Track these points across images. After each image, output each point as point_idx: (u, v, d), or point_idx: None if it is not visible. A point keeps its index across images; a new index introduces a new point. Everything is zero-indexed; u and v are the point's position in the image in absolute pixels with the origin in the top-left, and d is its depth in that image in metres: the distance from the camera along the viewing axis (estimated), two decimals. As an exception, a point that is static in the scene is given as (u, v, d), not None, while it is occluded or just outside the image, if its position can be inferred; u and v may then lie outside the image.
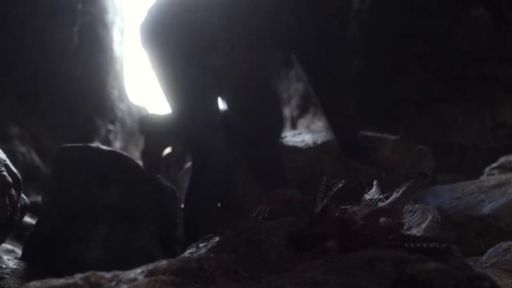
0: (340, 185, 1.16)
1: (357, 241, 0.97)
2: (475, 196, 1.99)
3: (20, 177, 1.62)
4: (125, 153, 1.99)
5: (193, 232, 1.44)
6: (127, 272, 0.73)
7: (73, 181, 1.83)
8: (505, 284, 1.32)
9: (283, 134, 1.88)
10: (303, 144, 1.98)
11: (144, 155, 4.34)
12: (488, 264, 1.53)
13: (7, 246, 1.96)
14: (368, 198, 1.17)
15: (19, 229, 1.99)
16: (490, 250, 1.60)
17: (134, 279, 0.70)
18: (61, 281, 0.68)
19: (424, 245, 0.95)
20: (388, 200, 1.13)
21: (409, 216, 1.09)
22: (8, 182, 1.51)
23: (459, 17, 3.40)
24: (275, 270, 0.86)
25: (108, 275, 0.71)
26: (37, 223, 1.90)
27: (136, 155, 6.83)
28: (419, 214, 1.08)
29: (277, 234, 1.02)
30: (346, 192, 1.15)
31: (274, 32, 1.28)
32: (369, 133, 2.01)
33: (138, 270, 0.74)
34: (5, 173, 1.51)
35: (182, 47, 1.49)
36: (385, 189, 1.17)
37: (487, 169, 2.62)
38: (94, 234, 1.78)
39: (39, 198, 2.37)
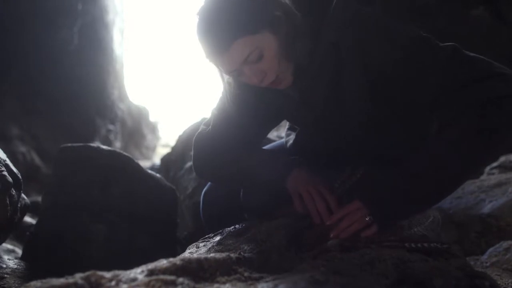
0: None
1: (358, 241, 0.97)
2: (475, 195, 1.99)
3: (20, 177, 1.62)
4: (125, 153, 1.99)
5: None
6: (127, 272, 0.73)
7: (74, 181, 1.83)
8: (505, 284, 1.32)
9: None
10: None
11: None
12: (488, 264, 1.53)
13: (7, 246, 1.96)
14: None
15: (20, 229, 1.99)
16: (491, 249, 1.60)
17: (134, 279, 0.70)
18: (61, 280, 0.68)
19: (425, 244, 0.95)
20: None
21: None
22: (9, 182, 1.51)
23: (459, 16, 3.40)
24: (275, 270, 0.86)
25: (108, 274, 0.71)
26: (37, 223, 1.90)
27: (136, 155, 6.84)
28: (420, 215, 1.08)
29: (278, 234, 1.02)
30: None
31: None
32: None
33: (138, 270, 0.74)
34: (5, 173, 1.51)
35: None
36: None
37: (487, 169, 2.62)
38: (94, 233, 1.78)
39: (39, 198, 2.37)
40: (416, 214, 1.06)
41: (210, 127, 1.29)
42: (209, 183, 1.45)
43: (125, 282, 0.69)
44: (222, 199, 1.37)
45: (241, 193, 1.28)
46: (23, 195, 1.69)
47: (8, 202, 1.51)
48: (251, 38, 1.01)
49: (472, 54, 1.01)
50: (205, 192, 1.44)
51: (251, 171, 1.21)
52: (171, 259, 0.79)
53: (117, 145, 6.19)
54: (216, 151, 1.26)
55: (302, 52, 1.07)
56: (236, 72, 1.07)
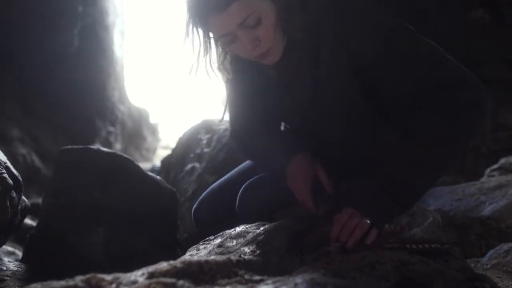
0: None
1: (358, 243, 0.97)
2: (475, 197, 1.99)
3: (20, 179, 1.62)
4: (125, 155, 1.99)
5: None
6: (128, 275, 0.73)
7: (74, 183, 1.83)
8: (506, 286, 1.32)
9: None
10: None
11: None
12: (489, 266, 1.53)
13: (7, 248, 1.96)
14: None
15: (20, 231, 1.98)
16: (491, 251, 1.60)
17: (135, 282, 0.70)
18: (62, 283, 0.68)
19: (426, 245, 0.95)
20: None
21: (410, 218, 1.09)
22: (9, 184, 1.51)
23: (459, 18, 3.40)
24: (276, 273, 0.86)
25: (108, 277, 0.71)
26: (37, 225, 1.90)
27: (136, 157, 6.84)
28: (420, 216, 1.08)
29: (278, 236, 1.02)
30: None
31: None
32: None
33: (139, 273, 0.74)
34: (5, 175, 1.51)
35: None
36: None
37: (487, 171, 2.62)
38: (94, 236, 1.78)
39: (39, 200, 2.36)
40: (411, 203, 1.06)
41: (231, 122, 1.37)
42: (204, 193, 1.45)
43: (125, 285, 0.69)
44: (212, 215, 1.38)
45: (236, 205, 1.28)
46: (23, 197, 1.69)
47: (8, 204, 1.51)
48: (250, 1, 1.00)
49: (447, 56, 1.04)
50: (195, 209, 1.45)
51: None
52: (171, 261, 0.79)
53: (117, 147, 6.18)
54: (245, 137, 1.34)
55: (297, 27, 1.08)
56: (229, 38, 1.05)
